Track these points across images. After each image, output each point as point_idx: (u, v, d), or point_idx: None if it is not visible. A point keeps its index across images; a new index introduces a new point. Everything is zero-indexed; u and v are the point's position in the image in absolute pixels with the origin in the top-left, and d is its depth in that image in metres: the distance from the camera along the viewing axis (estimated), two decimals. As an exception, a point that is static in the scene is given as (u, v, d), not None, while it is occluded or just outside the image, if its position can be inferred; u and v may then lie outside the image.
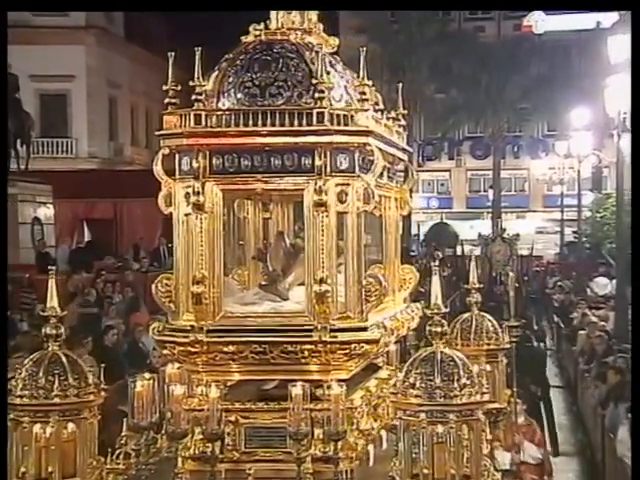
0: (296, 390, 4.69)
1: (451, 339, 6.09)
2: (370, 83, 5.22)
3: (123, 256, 23.55)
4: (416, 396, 4.32)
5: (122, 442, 4.87)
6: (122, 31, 41.79)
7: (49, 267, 4.89)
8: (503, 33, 43.16)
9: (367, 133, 5.00)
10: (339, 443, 4.76)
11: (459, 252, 29.52)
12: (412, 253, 31.65)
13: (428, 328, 4.49)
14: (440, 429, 4.29)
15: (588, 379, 16.38)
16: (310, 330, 4.88)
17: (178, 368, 5.19)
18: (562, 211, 35.61)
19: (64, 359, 4.54)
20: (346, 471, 4.87)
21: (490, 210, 42.49)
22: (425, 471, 4.31)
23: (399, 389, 4.38)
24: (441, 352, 4.40)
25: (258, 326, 4.98)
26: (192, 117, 4.88)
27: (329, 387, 4.79)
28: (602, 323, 19.08)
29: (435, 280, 4.51)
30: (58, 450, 4.43)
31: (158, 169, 5.10)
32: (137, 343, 13.94)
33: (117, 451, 4.81)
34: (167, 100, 5.02)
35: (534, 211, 45.60)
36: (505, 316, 8.59)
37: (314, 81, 4.92)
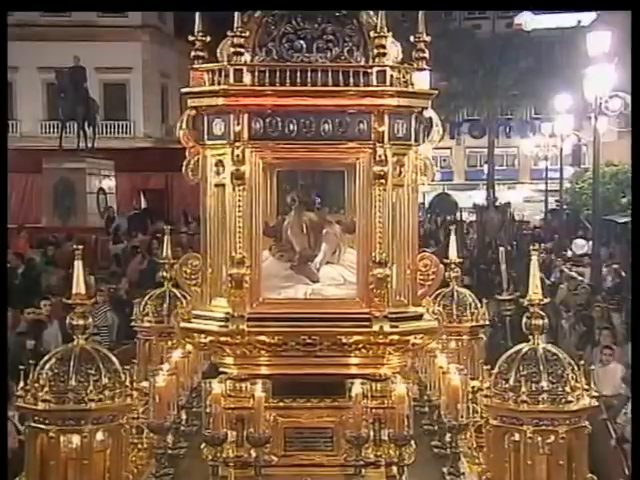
0: (356, 389, 3.31)
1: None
2: (429, 39, 3.77)
3: (173, 221, 22.65)
4: (520, 401, 2.96)
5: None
6: (172, 29, 40.19)
7: (76, 247, 3.50)
8: (497, 30, 41.60)
9: (429, 95, 3.58)
10: (404, 448, 3.39)
11: (458, 218, 28.38)
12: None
13: (526, 321, 3.09)
14: (539, 438, 2.93)
15: (566, 325, 15.30)
16: (366, 319, 3.46)
17: (183, 356, 3.80)
18: (546, 183, 34.42)
19: (95, 355, 3.09)
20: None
21: (485, 182, 41.32)
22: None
23: (493, 392, 3.02)
24: (543, 349, 3.01)
25: (305, 314, 3.53)
26: (232, 72, 3.35)
27: (393, 383, 3.41)
28: (580, 278, 18.33)
29: (534, 266, 3.03)
30: (91, 464, 3.01)
31: (183, 132, 3.66)
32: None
33: None
34: (194, 53, 3.51)
35: (522, 183, 44.58)
36: (496, 280, 7.11)
37: (373, 34, 3.43)
